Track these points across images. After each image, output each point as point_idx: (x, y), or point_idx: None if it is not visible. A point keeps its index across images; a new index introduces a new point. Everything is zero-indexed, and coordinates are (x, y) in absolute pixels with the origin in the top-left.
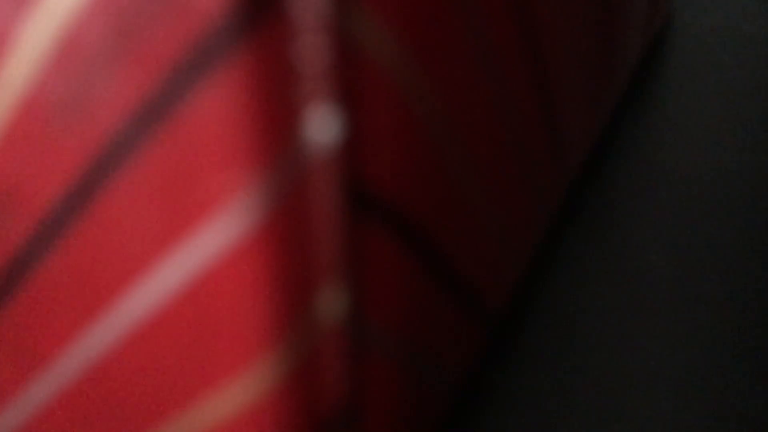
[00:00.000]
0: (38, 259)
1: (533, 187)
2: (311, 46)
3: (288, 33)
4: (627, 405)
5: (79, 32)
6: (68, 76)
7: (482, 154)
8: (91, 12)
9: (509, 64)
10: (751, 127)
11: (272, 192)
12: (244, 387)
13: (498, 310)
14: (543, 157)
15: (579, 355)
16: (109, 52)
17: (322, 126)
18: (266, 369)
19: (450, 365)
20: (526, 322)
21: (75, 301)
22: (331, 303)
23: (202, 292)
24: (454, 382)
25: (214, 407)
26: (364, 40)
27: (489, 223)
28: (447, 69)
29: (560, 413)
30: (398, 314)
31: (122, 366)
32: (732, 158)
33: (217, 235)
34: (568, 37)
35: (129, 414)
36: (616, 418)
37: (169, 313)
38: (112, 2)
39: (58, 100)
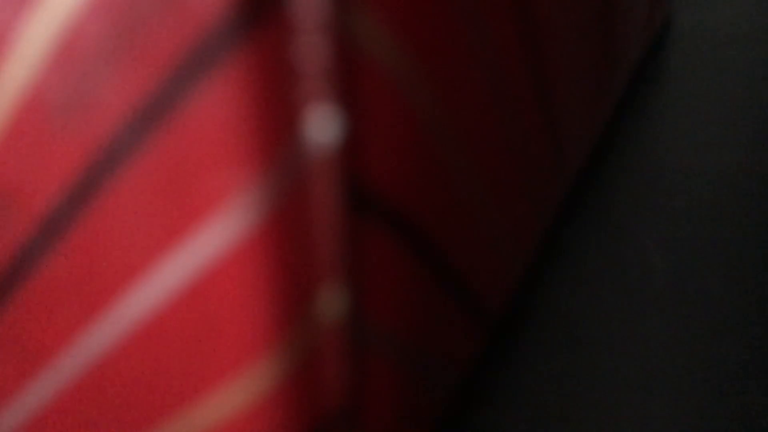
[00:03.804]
0: (38, 259)
1: (533, 187)
2: (311, 46)
3: (288, 33)
4: (627, 405)
5: (79, 32)
6: (68, 76)
7: (482, 153)
8: (91, 12)
9: (509, 65)
10: (751, 127)
11: (272, 192)
12: (244, 387)
13: (498, 309)
14: (543, 156)
15: (579, 355)
16: (109, 52)
17: (322, 126)
18: (266, 369)
19: (450, 365)
20: (526, 322)
21: (75, 301)
22: (331, 303)
23: (202, 291)
24: (454, 382)
25: (215, 407)
26: (364, 40)
27: (489, 223)
28: (447, 69)
29: (560, 413)
30: (398, 314)
31: (122, 366)
32: (732, 158)
33: (217, 235)
34: (568, 37)
35: (129, 414)
36: (615, 417)
37: (170, 313)
38: (112, 2)
39: (58, 100)
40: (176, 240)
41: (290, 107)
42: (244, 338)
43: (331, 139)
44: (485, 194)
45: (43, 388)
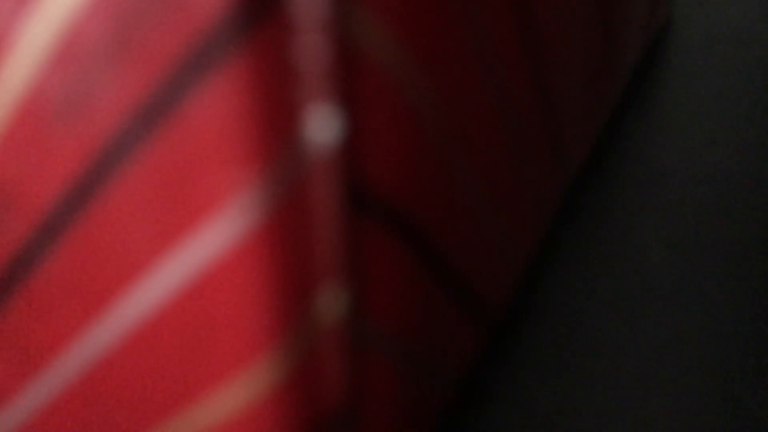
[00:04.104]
0: (38, 259)
1: (533, 187)
2: (311, 46)
3: (288, 33)
4: (627, 405)
5: (79, 32)
6: (68, 76)
7: (482, 153)
8: (91, 12)
9: (509, 64)
10: (750, 127)
11: (272, 192)
12: (244, 386)
13: (498, 309)
14: (543, 156)
15: (579, 354)
16: (109, 52)
17: (322, 126)
18: (266, 369)
19: (450, 365)
20: (525, 322)
21: (75, 301)
22: (331, 303)
23: (202, 291)
24: (454, 382)
25: (214, 407)
26: (364, 40)
27: (489, 223)
28: (447, 69)
29: (560, 413)
30: (398, 314)
31: (122, 366)
32: (732, 158)
33: (216, 235)
34: (568, 37)
35: (128, 414)
36: (615, 417)
37: (169, 313)
38: (112, 2)
39: (58, 100)
40: (176, 240)
41: (290, 107)
42: (244, 338)
43: (331, 139)
44: (485, 194)
45: (43, 389)
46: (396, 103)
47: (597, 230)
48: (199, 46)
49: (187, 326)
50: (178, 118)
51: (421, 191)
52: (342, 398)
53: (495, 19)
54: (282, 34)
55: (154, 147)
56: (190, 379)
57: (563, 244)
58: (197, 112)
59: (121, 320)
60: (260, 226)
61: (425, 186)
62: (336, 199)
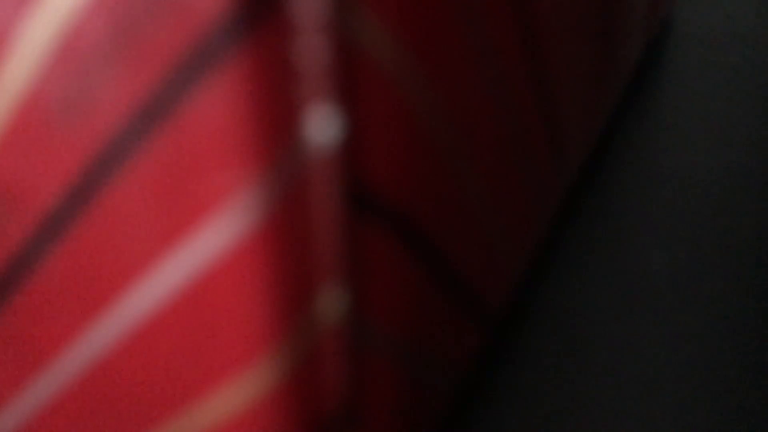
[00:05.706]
0: (38, 259)
1: (533, 187)
2: (311, 46)
3: (288, 33)
4: (627, 404)
5: (79, 32)
6: (68, 75)
7: (482, 154)
8: (92, 12)
9: (509, 64)
10: (751, 127)
11: (272, 192)
12: (244, 387)
13: (498, 310)
14: (543, 156)
15: (579, 354)
16: (110, 52)
17: (322, 126)
18: (266, 369)
19: (450, 365)
20: (525, 322)
21: (75, 301)
22: (331, 303)
23: (202, 291)
24: (454, 382)
25: (214, 407)
26: (364, 40)
27: (489, 223)
28: (447, 69)
29: (560, 413)
30: (398, 314)
31: (122, 366)
32: (732, 158)
33: (217, 235)
34: (568, 36)
35: (129, 414)
36: (616, 417)
37: (170, 313)
38: (112, 2)
39: (58, 100)
40: (176, 240)
41: (290, 107)
42: (244, 338)
43: (331, 139)
44: (485, 194)
45: (43, 389)
46: (396, 103)
47: (597, 230)
48: (199, 45)
49: (187, 326)
50: (178, 117)
51: (421, 191)
52: (342, 398)
53: (495, 19)
54: (282, 34)
55: (154, 147)
56: (190, 378)
57: (563, 244)
58: (197, 111)
59: (121, 320)
60: (260, 226)
61: (425, 186)
62: (336, 199)
